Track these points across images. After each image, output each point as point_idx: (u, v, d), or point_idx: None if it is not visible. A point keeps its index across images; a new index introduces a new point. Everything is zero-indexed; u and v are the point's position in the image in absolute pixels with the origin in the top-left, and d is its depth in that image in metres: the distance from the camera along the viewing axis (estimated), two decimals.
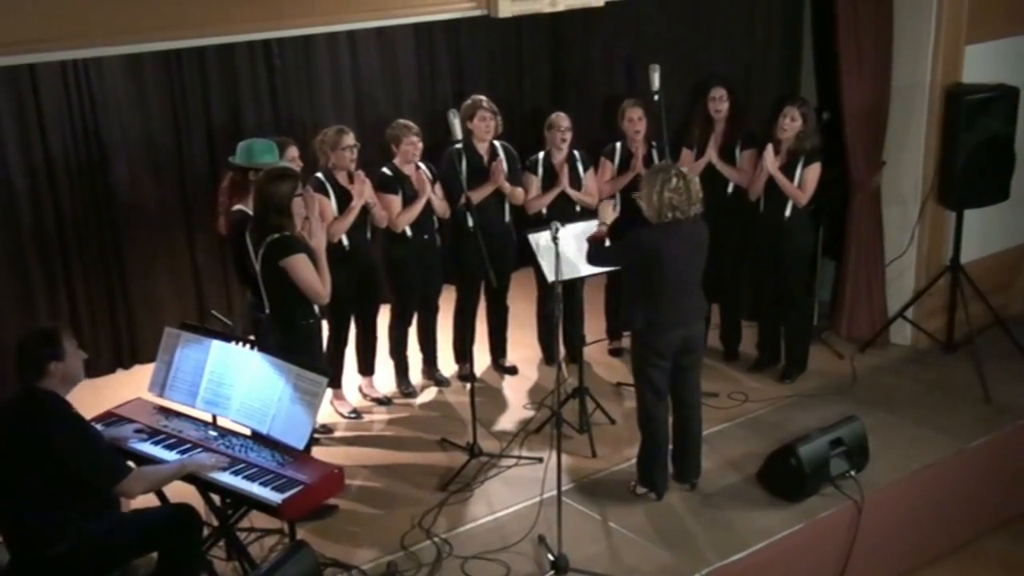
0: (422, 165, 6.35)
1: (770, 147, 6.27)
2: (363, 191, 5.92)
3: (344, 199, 5.97)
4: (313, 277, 4.88)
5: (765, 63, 7.23)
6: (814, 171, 6.27)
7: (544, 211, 6.50)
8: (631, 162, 6.60)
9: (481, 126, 6.36)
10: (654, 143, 6.62)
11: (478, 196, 6.25)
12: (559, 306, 5.03)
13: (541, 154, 6.61)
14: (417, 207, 6.16)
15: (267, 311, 5.03)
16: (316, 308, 5.01)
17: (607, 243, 5.40)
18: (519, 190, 6.46)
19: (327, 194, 5.90)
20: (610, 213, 5.41)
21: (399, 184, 6.22)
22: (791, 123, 6.19)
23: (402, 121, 6.30)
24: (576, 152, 6.61)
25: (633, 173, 6.45)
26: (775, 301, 6.62)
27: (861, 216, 7.01)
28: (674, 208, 4.93)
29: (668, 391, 5.26)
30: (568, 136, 6.50)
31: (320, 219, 5.29)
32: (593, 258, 5.37)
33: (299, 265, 4.84)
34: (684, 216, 4.95)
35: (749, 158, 6.53)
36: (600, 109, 7.73)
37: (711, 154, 6.51)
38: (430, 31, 7.85)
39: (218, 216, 5.88)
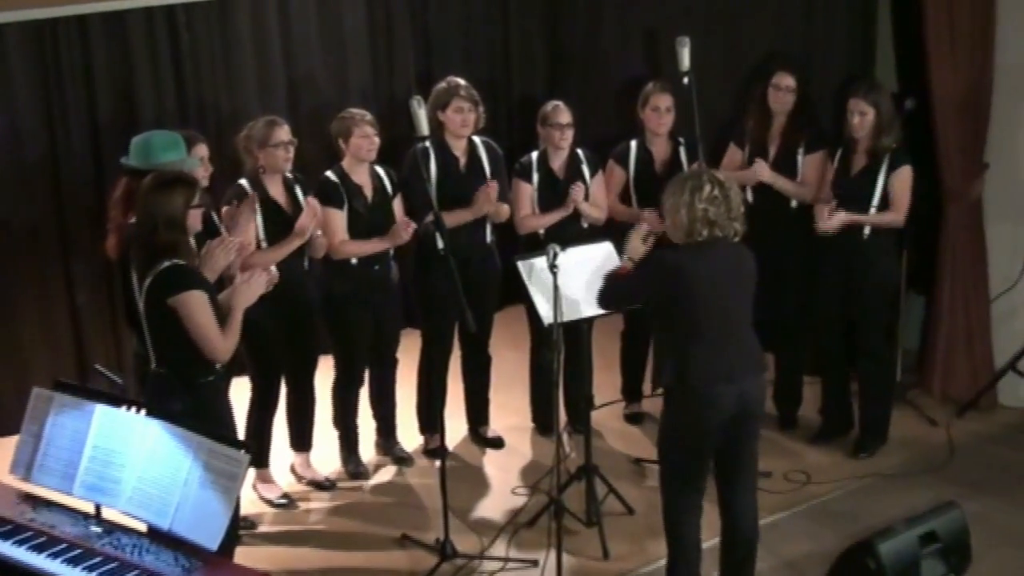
0: (379, 169, 6.40)
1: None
2: (309, 226, 5.97)
3: (277, 216, 6.04)
4: (209, 324, 4.87)
5: (828, 39, 7.34)
6: (905, 177, 6.35)
7: (541, 230, 6.58)
8: (652, 167, 6.70)
9: (456, 119, 6.41)
10: (681, 140, 6.72)
11: (453, 220, 6.29)
12: (559, 357, 5.02)
13: (535, 155, 6.68)
14: (371, 246, 6.24)
15: (153, 364, 5.03)
16: (217, 364, 5.02)
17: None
18: (504, 207, 6.53)
19: (251, 200, 5.96)
20: (639, 246, 5.31)
21: (346, 195, 6.26)
22: (862, 119, 6.31)
23: (352, 110, 6.35)
24: (580, 152, 6.69)
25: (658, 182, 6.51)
26: (846, 350, 6.66)
27: (958, 236, 7.07)
28: (710, 223, 4.90)
29: (705, 478, 5.19)
30: (569, 134, 6.57)
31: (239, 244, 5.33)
32: (606, 299, 5.33)
33: (193, 305, 4.84)
34: (723, 234, 4.94)
35: (813, 164, 6.63)
36: (611, 96, 7.81)
37: (759, 168, 6.57)
38: None
39: (107, 235, 5.87)
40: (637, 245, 5.30)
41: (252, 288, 5.01)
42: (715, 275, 4.92)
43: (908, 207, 6.35)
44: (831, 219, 6.29)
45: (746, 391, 4.98)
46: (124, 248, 5.36)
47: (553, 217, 6.55)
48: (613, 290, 5.26)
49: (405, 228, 6.18)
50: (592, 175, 6.67)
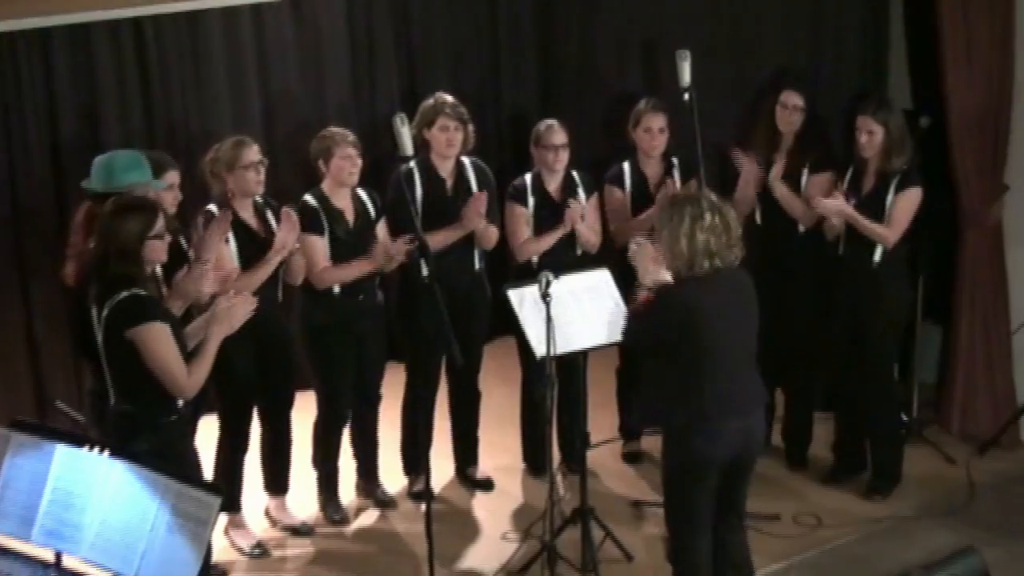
0: (362, 192, 6.41)
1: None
2: (288, 239, 5.94)
3: (249, 241, 6.02)
4: (171, 358, 4.85)
5: (837, 53, 7.38)
6: (910, 200, 6.37)
7: (535, 257, 6.60)
8: (646, 189, 6.71)
9: (442, 138, 6.43)
10: (674, 160, 6.78)
11: (439, 241, 6.30)
12: (552, 392, 5.01)
13: (528, 178, 6.72)
14: (353, 270, 6.21)
15: (112, 401, 5.02)
16: (180, 401, 5.00)
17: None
18: (492, 229, 6.56)
19: (223, 216, 5.91)
20: (653, 268, 5.22)
21: (326, 219, 6.25)
22: (870, 139, 6.33)
23: (333, 129, 6.37)
24: (575, 174, 6.73)
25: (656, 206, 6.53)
26: (858, 384, 6.65)
27: (976, 262, 7.09)
28: (711, 255, 4.96)
29: (712, 516, 5.18)
30: (564, 155, 6.61)
31: (209, 272, 5.31)
32: (631, 337, 5.36)
33: (153, 338, 4.82)
34: (724, 264, 4.99)
35: (818, 186, 6.62)
36: (607, 114, 7.82)
37: (774, 182, 6.61)
38: (368, 2, 7.95)
39: (66, 261, 5.88)
40: (650, 268, 5.24)
41: (232, 316, 4.98)
42: (722, 308, 4.99)
43: (903, 230, 6.35)
44: (828, 201, 6.31)
45: (752, 427, 5.12)
46: (83, 277, 5.34)
47: (551, 237, 6.56)
48: (634, 328, 5.28)
49: (397, 248, 6.16)
50: (588, 197, 6.70)
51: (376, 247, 6.23)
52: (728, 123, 7.20)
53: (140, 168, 5.57)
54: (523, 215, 6.62)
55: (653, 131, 6.66)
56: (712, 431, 4.99)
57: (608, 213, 6.81)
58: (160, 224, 4.89)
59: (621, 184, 6.78)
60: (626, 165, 6.79)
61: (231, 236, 5.94)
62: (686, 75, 6.39)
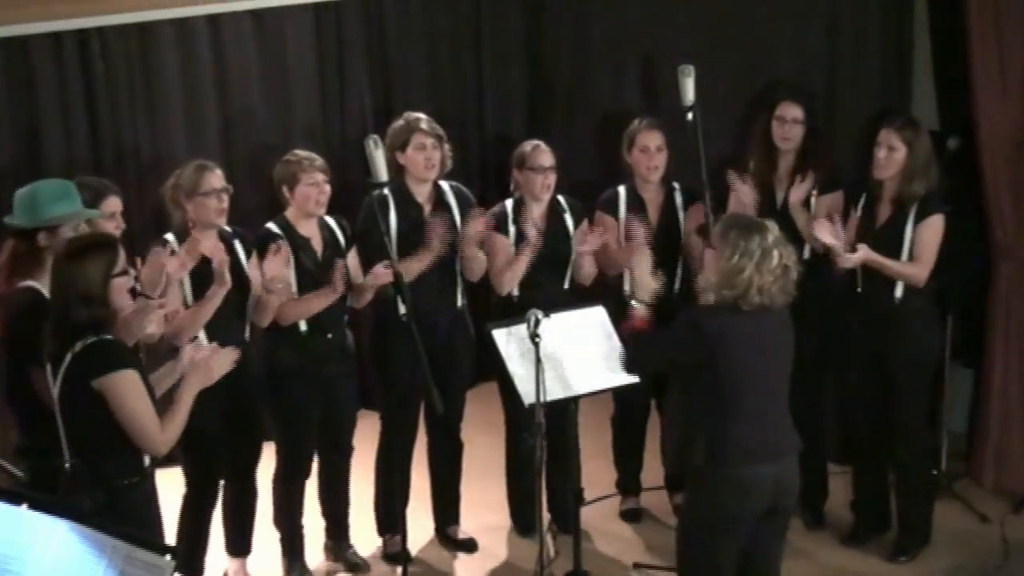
0: (330, 220, 6.41)
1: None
2: (277, 269, 5.96)
3: (207, 276, 5.97)
4: (145, 410, 4.82)
5: (856, 69, 7.42)
6: (933, 229, 6.35)
7: (516, 291, 6.62)
8: (644, 217, 6.67)
9: (419, 158, 6.44)
10: (676, 185, 6.81)
11: (415, 268, 6.28)
12: (541, 443, 4.98)
13: (509, 204, 6.72)
14: (321, 300, 6.18)
15: (67, 462, 4.95)
16: (147, 458, 4.97)
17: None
18: (480, 256, 6.55)
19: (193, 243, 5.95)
20: (650, 282, 5.30)
21: (292, 249, 6.24)
22: (889, 155, 6.31)
23: (299, 152, 6.37)
24: (561, 199, 6.76)
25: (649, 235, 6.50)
26: (880, 433, 6.63)
27: (1011, 298, 7.09)
28: (764, 295, 4.99)
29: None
30: (552, 179, 6.63)
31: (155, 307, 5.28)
32: (631, 361, 5.37)
33: (125, 388, 4.79)
34: (771, 306, 5.04)
35: (829, 206, 6.62)
36: (601, 135, 7.88)
37: (795, 209, 6.61)
38: (337, 13, 7.96)
39: None
40: (647, 282, 5.27)
41: (214, 367, 4.99)
42: (759, 341, 5.02)
43: (933, 263, 6.33)
44: (853, 257, 6.27)
45: (785, 477, 5.08)
46: (7, 322, 5.28)
47: (524, 259, 6.51)
48: (636, 350, 5.27)
49: (373, 276, 6.13)
50: (576, 226, 6.71)
51: (335, 274, 6.15)
52: (729, 143, 7.27)
53: (68, 198, 5.42)
54: (504, 245, 6.62)
55: (650, 150, 6.68)
56: (739, 477, 4.97)
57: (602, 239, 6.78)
58: (122, 259, 4.87)
59: (615, 210, 6.80)
60: (621, 190, 6.83)
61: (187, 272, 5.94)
62: (690, 93, 6.42)
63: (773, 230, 5.05)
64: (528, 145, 6.68)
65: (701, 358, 4.98)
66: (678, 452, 5.21)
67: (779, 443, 5.07)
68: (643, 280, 5.29)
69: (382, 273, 6.08)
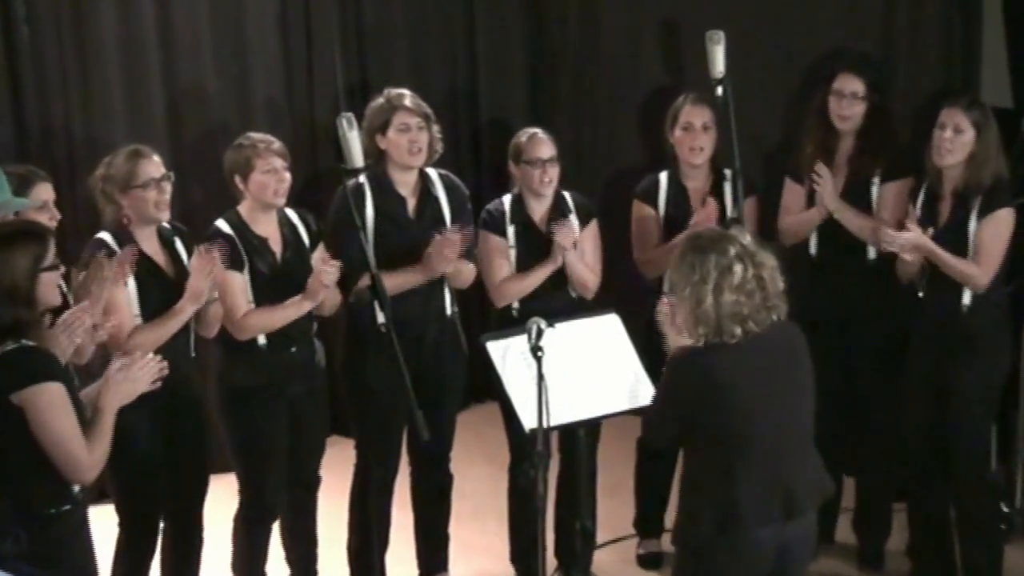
0: (291, 214, 6.40)
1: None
2: (200, 285, 5.89)
3: (153, 280, 6.01)
4: (71, 430, 4.79)
5: (916, 40, 7.41)
6: (999, 225, 6.32)
7: (515, 302, 6.63)
8: (687, 208, 6.75)
9: (403, 140, 6.42)
10: (727, 172, 6.82)
11: (396, 284, 6.25)
12: (545, 475, 5.01)
13: (507, 201, 6.76)
14: (286, 311, 6.19)
15: None
16: (75, 487, 4.96)
17: None
18: (468, 268, 6.59)
19: (129, 253, 5.86)
20: (678, 339, 5.21)
21: (245, 252, 6.24)
22: (955, 138, 6.30)
23: (252, 135, 6.36)
24: (568, 196, 6.78)
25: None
26: (944, 465, 6.59)
27: None
28: (743, 319, 4.92)
29: None
30: (553, 172, 6.64)
31: (98, 322, 5.29)
32: (647, 431, 5.33)
33: (50, 404, 4.77)
34: (759, 329, 4.95)
35: (894, 195, 6.67)
36: (615, 116, 7.91)
37: (824, 196, 6.61)
38: None
39: None
40: (677, 337, 5.23)
41: (133, 381, 4.95)
42: (760, 380, 4.94)
43: (997, 266, 6.31)
44: (900, 235, 6.27)
45: (794, 543, 5.00)
46: None
47: (538, 275, 6.56)
48: (652, 415, 5.22)
49: (323, 276, 6.10)
50: (582, 227, 6.72)
51: (310, 281, 6.16)
52: (771, 123, 7.27)
53: None
54: (500, 248, 6.65)
55: (694, 128, 6.70)
56: (741, 543, 4.91)
57: (634, 237, 6.85)
58: (52, 251, 4.87)
59: (653, 200, 6.84)
60: (663, 177, 6.87)
61: (133, 264, 5.88)
62: (719, 63, 6.41)
63: (735, 240, 4.99)
64: (524, 135, 6.69)
65: (690, 404, 4.92)
66: (678, 528, 5.13)
67: (796, 498, 4.97)
68: (674, 339, 5.22)
69: (326, 269, 6.05)
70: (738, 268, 4.89)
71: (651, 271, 6.75)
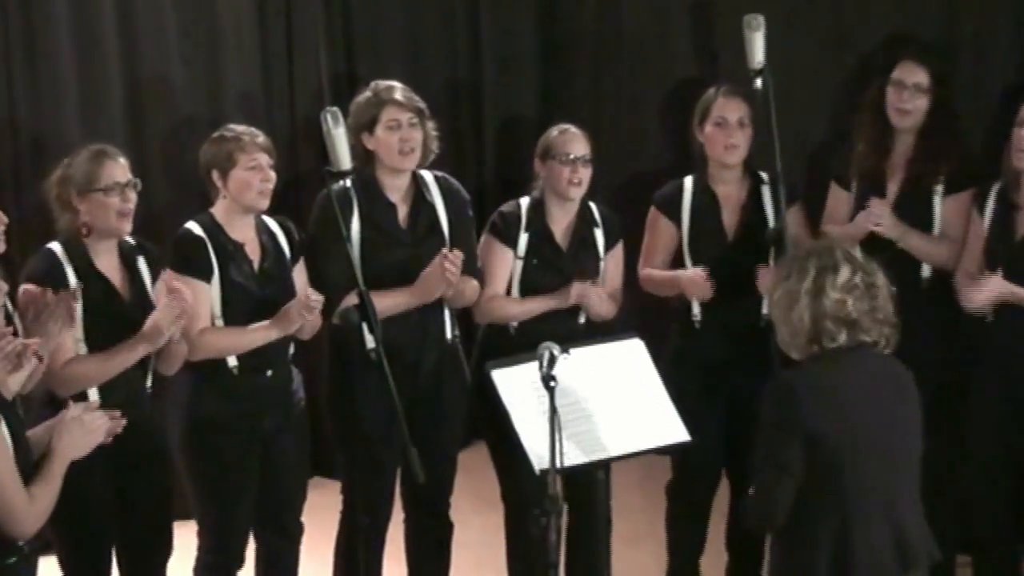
0: (270, 222, 6.41)
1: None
2: (163, 324, 5.87)
3: (108, 303, 6.01)
4: (7, 477, 4.79)
5: (985, 24, 7.41)
6: None
7: (512, 323, 6.71)
8: (717, 220, 6.76)
9: (392, 139, 6.41)
10: (764, 176, 6.82)
11: (388, 306, 6.26)
12: (557, 523, 4.98)
13: (525, 204, 6.76)
14: (251, 336, 6.18)
15: None
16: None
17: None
18: (471, 285, 6.57)
19: (70, 295, 5.83)
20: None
21: (216, 258, 6.23)
22: None
23: (235, 127, 6.35)
24: (595, 208, 6.84)
25: (685, 284, 6.63)
26: (1009, 513, 6.60)
27: None
28: (850, 323, 4.93)
29: None
30: (586, 174, 6.64)
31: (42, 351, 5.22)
32: (759, 507, 5.12)
33: None
34: (870, 339, 4.98)
35: (957, 210, 6.64)
36: (638, 112, 7.92)
37: (885, 228, 6.56)
38: None
39: None
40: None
41: (88, 433, 5.00)
42: (875, 402, 4.94)
43: None
44: (981, 288, 6.28)
45: None
46: None
47: (536, 307, 6.63)
48: (756, 490, 5.10)
49: (304, 306, 6.10)
50: (608, 248, 6.80)
51: (286, 307, 6.14)
52: (816, 120, 7.30)
53: None
54: (503, 260, 6.67)
55: (728, 124, 6.67)
56: None
57: (644, 246, 6.88)
58: None
59: (675, 210, 6.83)
60: (688, 182, 6.87)
61: (79, 297, 5.90)
62: (759, 52, 6.40)
63: (841, 251, 5.02)
64: (555, 129, 6.73)
65: (790, 436, 4.86)
66: None
67: (910, 547, 4.97)
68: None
69: (313, 298, 6.06)
70: (844, 268, 4.93)
71: (647, 288, 6.80)
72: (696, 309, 6.58)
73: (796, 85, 6.87)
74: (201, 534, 6.43)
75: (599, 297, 6.53)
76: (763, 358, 5.85)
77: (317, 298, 6.10)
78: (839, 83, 7.50)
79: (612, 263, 6.74)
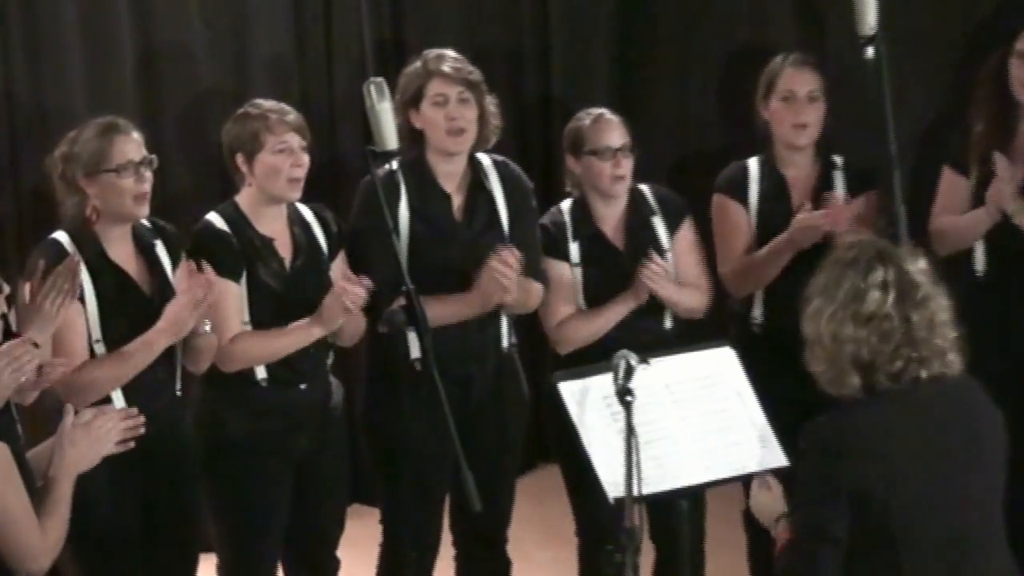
0: (305, 211, 6.40)
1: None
2: (183, 313, 5.86)
3: (123, 295, 6.01)
4: (18, 507, 4.83)
5: None
6: None
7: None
8: (786, 203, 6.78)
9: (438, 119, 6.39)
10: (837, 160, 6.88)
11: (441, 315, 6.22)
12: (635, 559, 4.92)
13: (567, 207, 6.79)
14: (289, 338, 6.16)
15: None
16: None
17: None
18: (535, 287, 6.55)
19: (72, 262, 5.82)
20: (768, 506, 5.25)
21: (245, 255, 6.23)
22: None
23: (263, 103, 6.32)
24: (648, 192, 6.83)
25: (796, 233, 6.61)
26: None
27: None
28: (863, 367, 4.87)
29: None
30: (627, 165, 6.63)
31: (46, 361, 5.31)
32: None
33: None
34: (927, 373, 4.88)
35: None
36: (723, 82, 7.91)
37: (1001, 193, 6.49)
38: None
39: None
40: (766, 504, 5.26)
41: (94, 441, 5.05)
42: (936, 446, 4.88)
43: None
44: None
45: None
46: None
47: (614, 313, 6.60)
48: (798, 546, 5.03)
49: (344, 294, 6.05)
50: (672, 233, 6.78)
51: (326, 301, 6.09)
52: (928, 96, 7.36)
53: None
54: (561, 277, 6.65)
55: (797, 98, 6.69)
56: None
57: (717, 242, 6.88)
58: None
59: (742, 193, 6.84)
60: (752, 163, 6.89)
61: (88, 288, 5.88)
62: (871, 16, 6.32)
63: (898, 261, 4.94)
64: (586, 117, 6.71)
65: (843, 488, 4.79)
66: None
67: None
68: (765, 508, 5.25)
69: (348, 288, 5.99)
70: (875, 296, 4.84)
71: (739, 287, 6.83)
72: (758, 311, 6.60)
73: (904, 54, 6.86)
74: (221, 569, 6.43)
75: (662, 277, 6.45)
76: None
77: (356, 286, 6.02)
78: (954, 53, 7.55)
79: (682, 246, 6.71)
